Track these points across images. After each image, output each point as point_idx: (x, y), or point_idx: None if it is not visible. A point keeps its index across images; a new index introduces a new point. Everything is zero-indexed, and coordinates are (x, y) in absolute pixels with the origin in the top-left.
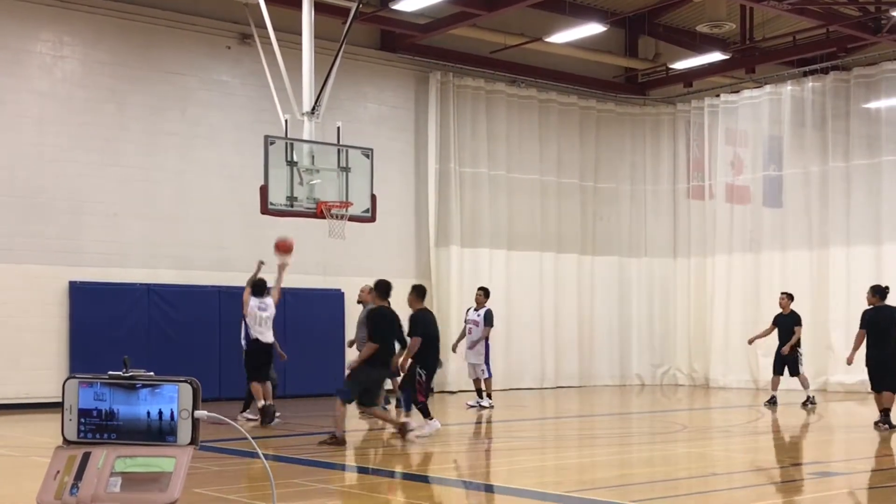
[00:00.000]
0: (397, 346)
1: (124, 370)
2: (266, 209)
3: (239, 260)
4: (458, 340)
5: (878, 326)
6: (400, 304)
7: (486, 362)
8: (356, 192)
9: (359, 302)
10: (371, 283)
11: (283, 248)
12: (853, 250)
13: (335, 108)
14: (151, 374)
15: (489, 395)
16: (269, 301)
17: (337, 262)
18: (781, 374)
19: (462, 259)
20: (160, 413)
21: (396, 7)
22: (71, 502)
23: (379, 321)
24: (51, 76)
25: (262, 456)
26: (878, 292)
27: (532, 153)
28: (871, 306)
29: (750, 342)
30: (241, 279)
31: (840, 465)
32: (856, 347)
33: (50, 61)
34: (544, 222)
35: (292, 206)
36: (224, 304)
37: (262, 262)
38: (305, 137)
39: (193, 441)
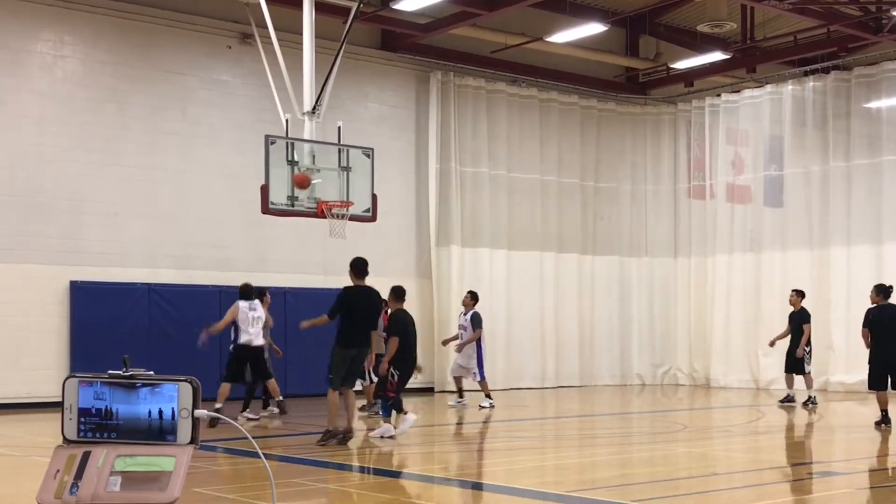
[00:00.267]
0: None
1: (124, 369)
2: (267, 209)
3: (239, 259)
4: (452, 339)
5: (882, 325)
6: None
7: (479, 365)
8: (357, 191)
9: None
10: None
11: (301, 182)
12: (854, 250)
13: (336, 107)
14: (151, 373)
15: (488, 395)
16: (258, 304)
17: (337, 262)
18: (793, 373)
19: (462, 259)
20: (160, 412)
21: (397, 7)
22: (71, 501)
23: (394, 320)
24: (51, 76)
25: (261, 455)
26: (882, 291)
27: (533, 153)
28: (875, 305)
29: (771, 344)
30: (241, 279)
31: (841, 464)
32: (867, 344)
33: (50, 61)
34: (545, 222)
35: (293, 205)
36: (225, 303)
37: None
38: (306, 137)
39: (193, 440)
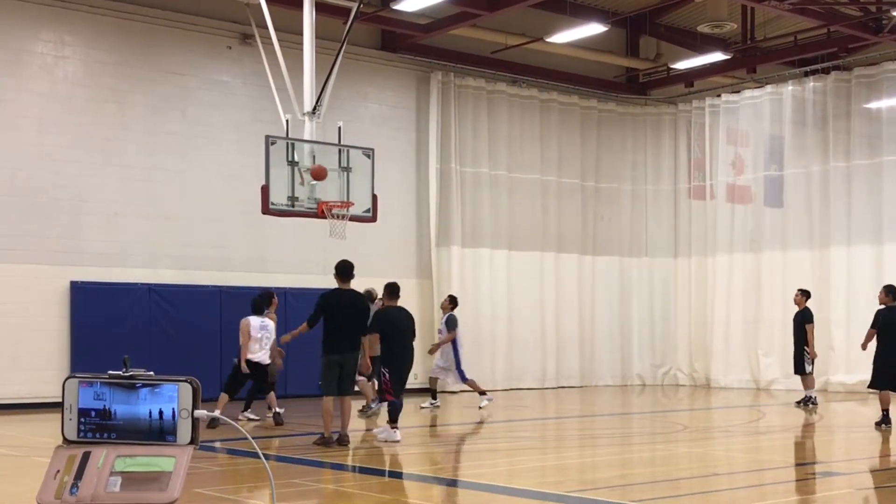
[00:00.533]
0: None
1: (124, 370)
2: (267, 209)
3: (240, 260)
4: (436, 345)
5: (891, 326)
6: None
7: (458, 368)
8: (357, 192)
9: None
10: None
11: (318, 174)
12: (854, 250)
13: (336, 107)
14: (151, 373)
15: (482, 393)
16: (270, 322)
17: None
18: (802, 373)
19: (463, 259)
20: (161, 412)
21: (397, 7)
22: (71, 502)
23: (374, 317)
24: (51, 76)
25: (261, 456)
26: (892, 292)
27: (533, 153)
28: (884, 306)
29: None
30: (242, 279)
31: (841, 464)
32: (865, 344)
33: (51, 61)
34: (545, 222)
35: (293, 206)
36: (225, 303)
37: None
38: (306, 137)
39: (193, 441)
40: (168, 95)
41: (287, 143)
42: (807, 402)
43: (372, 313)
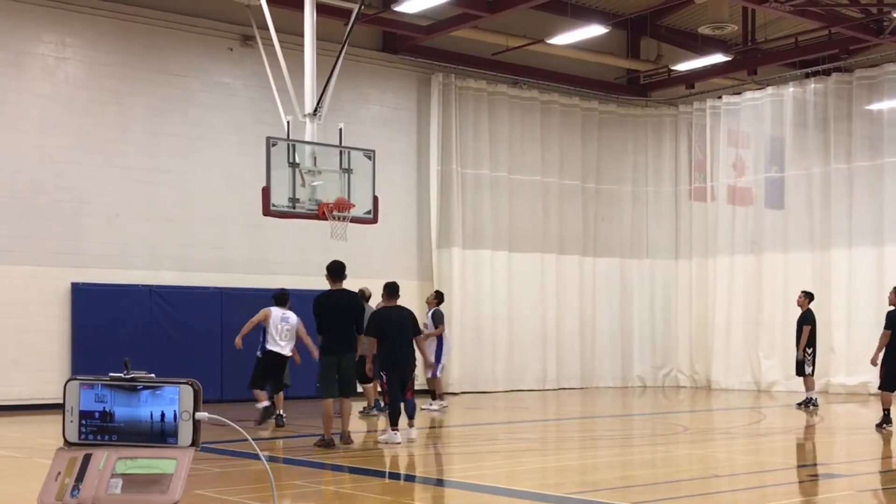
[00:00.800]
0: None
1: (125, 372)
2: (268, 210)
3: (241, 261)
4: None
5: None
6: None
7: (437, 360)
8: (358, 193)
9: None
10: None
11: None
12: (855, 252)
13: (337, 109)
14: (152, 375)
15: (437, 397)
16: (292, 314)
17: None
18: (803, 374)
19: (464, 260)
20: (162, 415)
21: (398, 9)
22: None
23: (369, 319)
24: (53, 78)
25: (262, 458)
26: None
27: (534, 155)
28: (894, 307)
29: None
30: (242, 280)
31: (843, 466)
32: (880, 348)
33: (52, 63)
34: (546, 224)
35: (294, 207)
36: (226, 305)
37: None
38: (307, 139)
39: (194, 443)
40: (169, 97)
41: (288, 145)
42: (807, 404)
43: (368, 313)
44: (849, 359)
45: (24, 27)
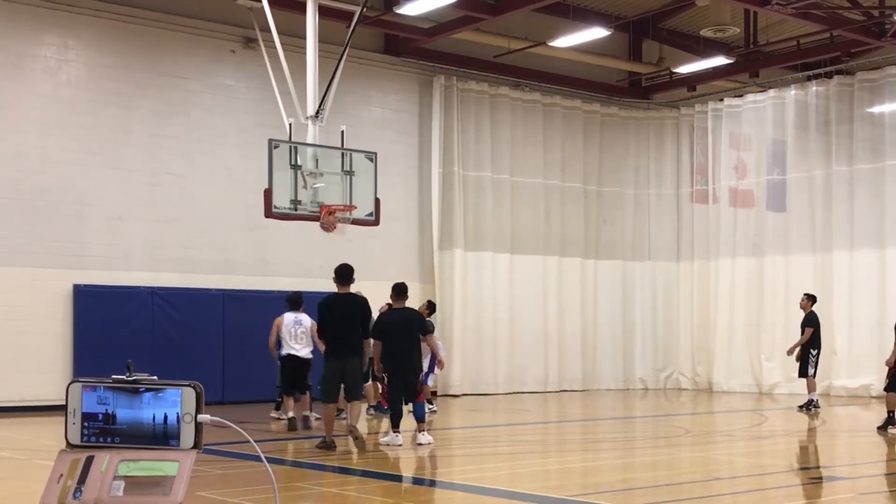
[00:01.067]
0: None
1: (128, 374)
2: (270, 212)
3: (243, 263)
4: None
5: None
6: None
7: (430, 368)
8: (360, 195)
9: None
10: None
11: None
12: (857, 254)
13: (339, 111)
14: (155, 378)
15: (428, 401)
16: (305, 316)
17: None
18: (805, 376)
19: (466, 262)
20: (165, 417)
21: (400, 11)
22: None
23: (376, 320)
24: (55, 79)
25: (264, 459)
26: None
27: (536, 157)
28: None
29: (789, 353)
30: (244, 282)
31: (844, 469)
32: None
33: (54, 65)
34: (548, 226)
35: (296, 209)
36: (228, 306)
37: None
38: (309, 141)
39: (196, 445)
40: (171, 99)
41: (290, 147)
42: (809, 406)
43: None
44: (850, 361)
45: (25, 29)
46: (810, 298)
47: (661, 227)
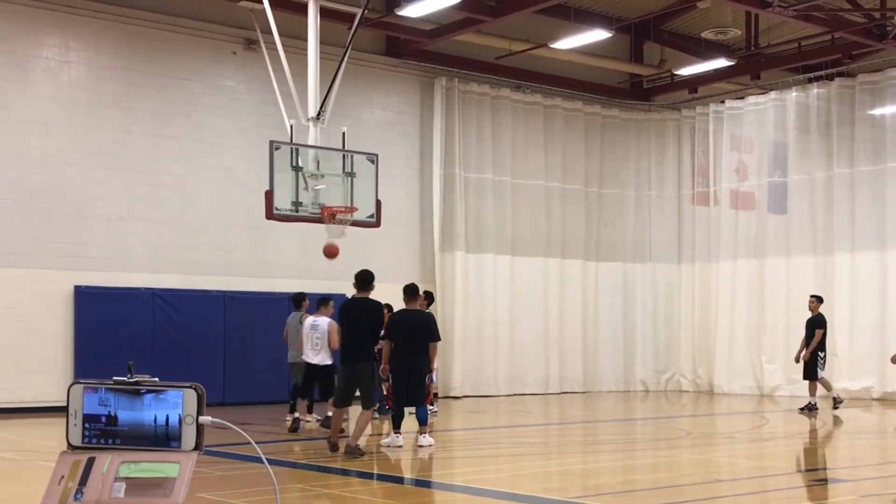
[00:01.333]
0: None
1: (129, 375)
2: (271, 214)
3: (244, 264)
4: None
5: None
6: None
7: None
8: (361, 197)
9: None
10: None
11: (330, 252)
12: (858, 256)
13: (340, 113)
14: (156, 379)
15: (429, 402)
16: (323, 320)
17: (341, 268)
18: (811, 378)
19: (467, 264)
20: (166, 418)
21: (402, 13)
22: None
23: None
24: (56, 81)
25: (265, 461)
26: None
27: (537, 159)
28: None
29: (797, 360)
30: (245, 284)
31: (846, 471)
32: None
33: (55, 66)
34: (549, 228)
35: (297, 211)
36: (228, 308)
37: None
38: (311, 143)
39: (197, 446)
40: (172, 100)
41: (291, 149)
42: (810, 408)
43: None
44: (851, 363)
45: (27, 30)
46: (819, 300)
47: (662, 229)
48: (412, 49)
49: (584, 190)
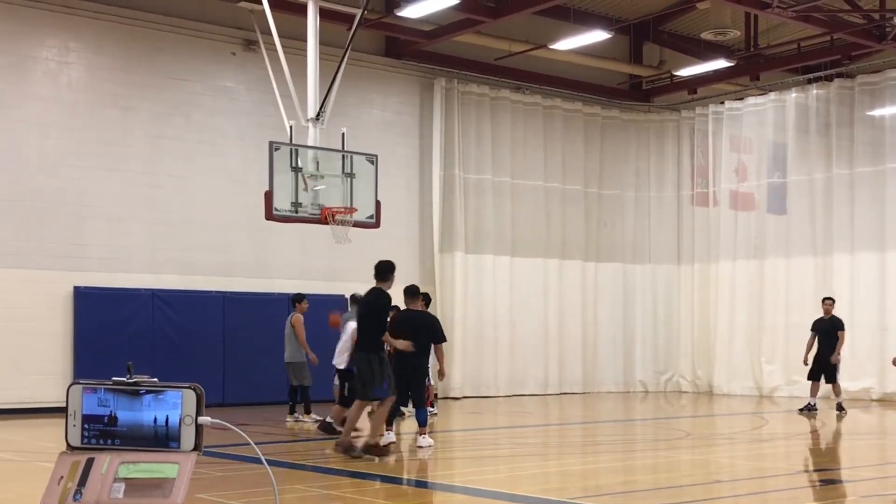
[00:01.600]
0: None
1: (128, 376)
2: (271, 215)
3: (243, 265)
4: None
5: None
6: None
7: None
8: (361, 198)
9: None
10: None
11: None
12: (857, 257)
13: (340, 114)
14: (155, 380)
15: (429, 403)
16: (351, 323)
17: (341, 268)
18: (818, 381)
19: (466, 265)
20: (167, 419)
21: (401, 14)
22: None
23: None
24: (55, 82)
25: (264, 461)
26: None
27: (536, 160)
28: None
29: (805, 362)
30: (245, 284)
31: (845, 472)
32: None
33: (55, 67)
34: (548, 229)
35: (297, 211)
36: (228, 309)
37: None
38: (310, 143)
39: (197, 447)
40: (172, 101)
41: (291, 149)
42: (810, 409)
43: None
44: (851, 364)
45: (26, 31)
46: (833, 301)
47: (662, 229)
48: (412, 50)
49: (583, 191)
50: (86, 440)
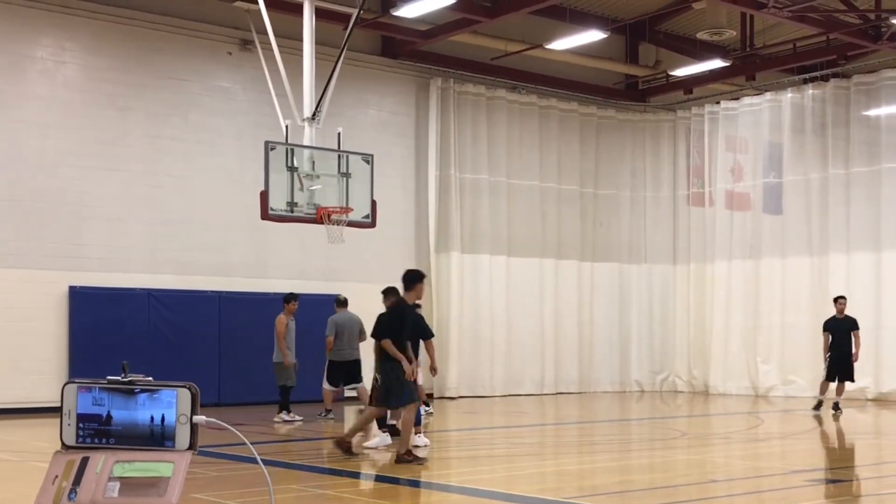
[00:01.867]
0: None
1: (123, 375)
2: (266, 214)
3: (240, 265)
4: None
5: None
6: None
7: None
8: (356, 197)
9: None
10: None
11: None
12: (853, 257)
13: (336, 113)
14: (150, 378)
15: (423, 403)
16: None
17: (337, 268)
18: (833, 381)
19: (462, 265)
20: (162, 418)
21: (397, 13)
22: None
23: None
24: (52, 81)
25: (259, 461)
26: None
27: (532, 159)
28: None
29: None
30: (242, 284)
31: (841, 471)
32: None
33: (51, 67)
34: (544, 228)
35: (292, 211)
36: (224, 309)
37: None
38: (306, 143)
39: (192, 446)
40: (168, 101)
41: (286, 149)
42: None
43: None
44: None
45: (23, 31)
46: (846, 300)
47: (658, 229)
48: (408, 49)
49: (579, 190)
50: (81, 439)
